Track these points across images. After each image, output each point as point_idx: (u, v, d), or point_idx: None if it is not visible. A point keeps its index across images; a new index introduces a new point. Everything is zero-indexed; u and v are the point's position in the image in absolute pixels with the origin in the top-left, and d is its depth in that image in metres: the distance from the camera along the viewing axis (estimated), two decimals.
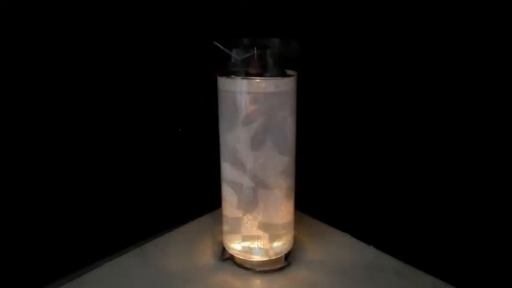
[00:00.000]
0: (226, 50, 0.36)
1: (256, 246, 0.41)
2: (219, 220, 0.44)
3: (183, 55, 0.49)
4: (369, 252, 0.45)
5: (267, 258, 0.42)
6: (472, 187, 0.39)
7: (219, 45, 0.37)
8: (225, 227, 0.43)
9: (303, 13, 0.49)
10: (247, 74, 0.38)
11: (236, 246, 0.42)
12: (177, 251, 0.45)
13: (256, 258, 0.42)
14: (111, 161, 0.45)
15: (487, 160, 0.38)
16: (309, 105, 0.46)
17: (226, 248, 0.43)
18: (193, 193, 0.53)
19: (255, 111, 0.37)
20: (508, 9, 0.34)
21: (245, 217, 0.40)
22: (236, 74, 0.38)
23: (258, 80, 0.37)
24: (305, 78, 0.41)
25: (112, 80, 0.44)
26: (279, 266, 0.42)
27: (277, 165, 0.39)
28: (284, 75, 0.38)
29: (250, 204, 0.40)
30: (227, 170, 0.41)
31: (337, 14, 0.46)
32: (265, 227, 0.40)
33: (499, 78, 0.36)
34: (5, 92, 0.37)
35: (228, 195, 0.41)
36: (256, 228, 0.40)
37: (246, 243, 0.41)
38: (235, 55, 0.36)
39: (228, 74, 0.38)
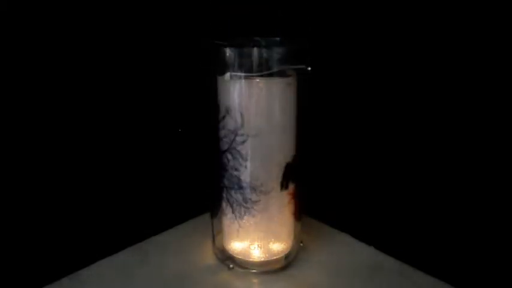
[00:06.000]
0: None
1: (255, 246, 0.41)
2: (219, 219, 0.44)
3: (182, 54, 0.49)
4: (369, 253, 0.45)
5: (267, 259, 0.42)
6: (471, 188, 0.39)
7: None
8: (225, 227, 0.43)
9: (303, 13, 0.49)
10: (247, 74, 0.37)
11: (236, 246, 0.42)
12: (176, 250, 0.45)
13: (256, 258, 0.42)
14: (110, 160, 0.46)
15: (486, 161, 0.38)
16: (309, 105, 0.46)
17: (226, 248, 0.43)
18: (192, 192, 0.53)
19: (254, 111, 0.37)
20: (508, 9, 0.34)
21: (245, 217, 0.40)
22: (236, 73, 0.38)
23: (258, 79, 0.37)
24: (307, 78, 0.41)
25: (112, 80, 0.44)
26: (279, 266, 0.42)
27: (277, 166, 0.39)
28: (284, 75, 0.38)
29: (250, 204, 0.40)
30: (226, 170, 0.40)
31: (340, 14, 0.46)
32: (265, 227, 0.40)
33: (499, 80, 0.36)
34: (5, 92, 0.37)
35: (228, 195, 0.41)
36: (256, 228, 0.40)
37: (246, 244, 0.41)
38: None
39: (227, 73, 0.38)
